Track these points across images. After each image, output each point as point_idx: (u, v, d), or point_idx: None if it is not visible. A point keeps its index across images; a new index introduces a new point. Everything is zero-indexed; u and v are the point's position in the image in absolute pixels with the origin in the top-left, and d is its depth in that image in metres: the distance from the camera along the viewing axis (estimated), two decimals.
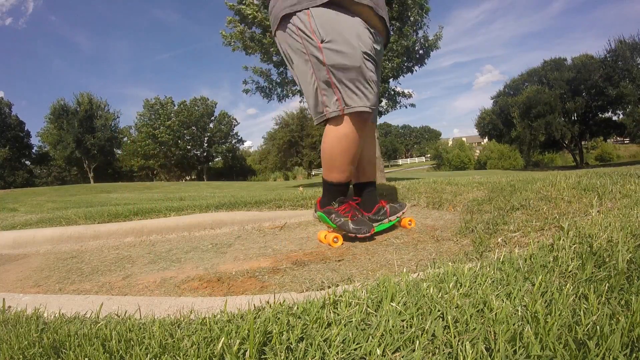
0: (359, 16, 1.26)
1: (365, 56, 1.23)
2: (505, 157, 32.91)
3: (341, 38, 1.20)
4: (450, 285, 0.68)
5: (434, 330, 0.53)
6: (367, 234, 1.36)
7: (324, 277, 1.06)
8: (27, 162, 34.77)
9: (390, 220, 1.51)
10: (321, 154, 1.37)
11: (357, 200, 1.50)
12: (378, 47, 1.34)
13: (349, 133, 1.27)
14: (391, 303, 0.62)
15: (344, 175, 1.37)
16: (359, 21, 1.25)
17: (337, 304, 0.65)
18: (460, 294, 0.65)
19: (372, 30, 1.30)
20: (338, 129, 1.28)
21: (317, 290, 0.88)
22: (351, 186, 1.56)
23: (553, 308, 0.56)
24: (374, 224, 1.46)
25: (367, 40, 1.25)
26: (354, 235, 1.36)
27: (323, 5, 1.22)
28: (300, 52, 1.27)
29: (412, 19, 8.70)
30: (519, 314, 0.56)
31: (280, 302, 0.68)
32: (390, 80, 9.71)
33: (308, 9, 1.22)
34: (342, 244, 1.38)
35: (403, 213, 1.55)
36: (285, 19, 1.28)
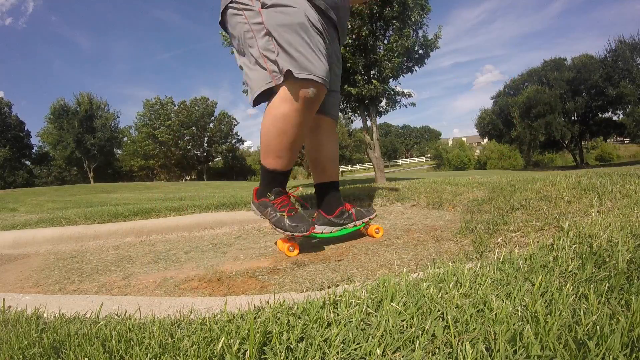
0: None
1: (310, 19, 1.09)
2: (505, 157, 32.92)
3: (282, 1, 1.08)
4: (450, 285, 0.68)
5: (434, 330, 0.53)
6: (305, 233, 1.21)
7: (324, 277, 1.06)
8: (27, 162, 34.79)
9: (356, 225, 1.40)
10: (261, 134, 1.20)
11: (296, 189, 1.37)
12: (329, 30, 1.21)
13: (290, 112, 1.10)
14: (391, 303, 0.62)
15: (281, 162, 1.20)
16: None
17: (337, 304, 0.65)
18: (460, 294, 0.65)
19: (321, 15, 1.17)
20: (277, 106, 1.10)
21: (317, 290, 0.88)
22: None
23: (553, 308, 0.56)
24: (335, 228, 1.36)
25: (312, 12, 1.11)
26: (290, 234, 1.22)
27: None
28: (242, 25, 1.14)
29: (412, 19, 8.71)
30: (519, 314, 0.56)
31: (280, 302, 0.68)
32: (391, 80, 9.71)
33: None
34: (298, 253, 1.26)
35: (370, 219, 1.43)
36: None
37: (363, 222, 1.43)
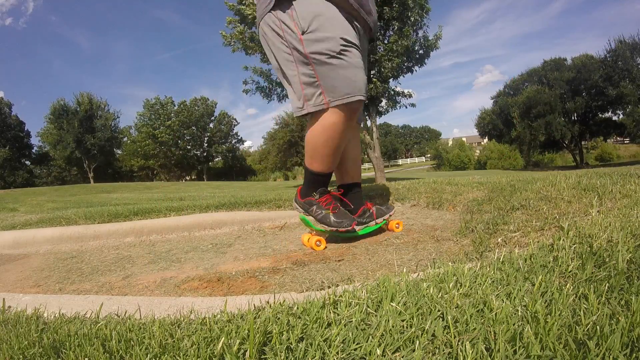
0: (341, 7, 1.21)
1: (347, 43, 1.17)
2: (505, 157, 32.90)
3: (322, 27, 1.15)
4: (450, 285, 0.68)
5: (434, 330, 0.53)
6: (348, 228, 1.31)
7: (324, 277, 1.06)
8: (27, 162, 34.77)
9: (377, 223, 1.47)
10: (305, 141, 1.32)
11: (341, 190, 1.45)
12: (361, 40, 1.31)
13: (335, 123, 1.21)
14: (391, 303, 0.62)
15: (326, 166, 1.32)
16: (339, 11, 1.21)
17: (337, 304, 0.65)
18: (460, 294, 0.65)
19: (355, 23, 1.27)
20: (325, 118, 1.21)
21: (317, 290, 0.88)
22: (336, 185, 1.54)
23: (553, 308, 0.56)
24: (359, 227, 1.42)
25: (349, 29, 1.21)
26: (334, 229, 1.31)
27: None
28: (282, 45, 1.22)
29: (412, 19, 8.71)
30: (519, 314, 0.56)
31: (280, 302, 0.68)
32: (390, 80, 9.71)
33: (292, 4, 1.18)
34: (326, 247, 1.33)
35: (390, 215, 1.51)
36: (269, 13, 1.24)
37: (384, 220, 1.50)
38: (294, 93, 1.26)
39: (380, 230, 1.53)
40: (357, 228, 1.41)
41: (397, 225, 1.53)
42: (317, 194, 1.35)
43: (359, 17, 1.28)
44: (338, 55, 1.15)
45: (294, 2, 1.18)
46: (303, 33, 1.17)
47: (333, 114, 1.20)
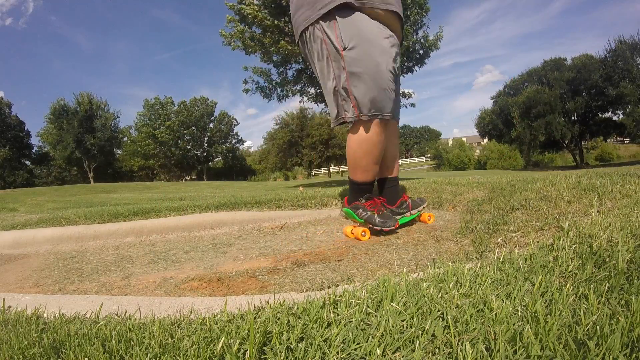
0: (381, 21, 1.29)
1: (385, 64, 1.28)
2: (505, 157, 32.88)
3: (363, 45, 1.23)
4: (450, 285, 0.68)
5: (434, 330, 0.53)
6: (392, 227, 1.41)
7: (324, 277, 1.06)
8: (27, 162, 34.76)
9: (412, 214, 1.58)
10: (346, 155, 1.45)
11: (383, 200, 1.54)
12: (397, 49, 1.39)
13: (371, 136, 1.33)
14: (391, 303, 0.62)
15: (369, 175, 1.43)
16: (381, 27, 1.29)
17: (337, 304, 0.65)
18: (460, 294, 0.65)
19: (392, 33, 1.34)
20: (360, 132, 1.33)
21: (317, 290, 0.88)
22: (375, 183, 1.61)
23: (553, 308, 0.56)
24: (397, 217, 1.51)
25: (388, 47, 1.29)
26: (379, 228, 1.41)
27: (347, 11, 1.24)
28: (324, 57, 1.30)
29: (412, 18, 8.70)
30: (519, 314, 0.56)
31: (280, 302, 0.68)
32: None
33: (335, 18, 1.24)
34: (370, 237, 1.42)
35: (424, 207, 1.62)
36: (315, 24, 1.30)
37: (418, 211, 1.60)
38: (332, 102, 1.35)
39: (413, 222, 1.62)
40: (388, 227, 1.50)
41: (429, 218, 1.62)
42: (363, 199, 1.46)
43: (394, 24, 1.36)
44: (373, 74, 1.24)
45: (337, 17, 1.23)
46: (344, 49, 1.24)
47: (367, 127, 1.31)
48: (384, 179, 1.62)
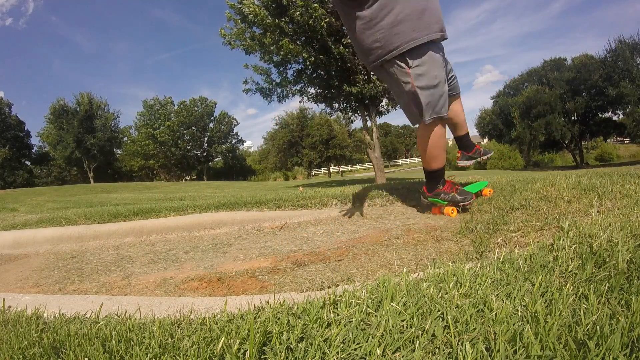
0: (436, 42, 1.60)
1: (440, 77, 1.59)
2: (505, 157, 32.87)
3: (425, 65, 1.55)
4: (450, 285, 0.68)
5: (434, 330, 0.53)
6: (471, 200, 1.70)
7: (324, 277, 1.06)
8: (27, 162, 34.77)
9: (483, 158, 2.06)
10: (421, 152, 1.75)
11: (453, 177, 1.88)
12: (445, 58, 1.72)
13: (440, 131, 1.68)
14: (391, 303, 0.62)
15: (441, 162, 1.75)
16: (437, 47, 1.59)
17: (337, 304, 0.65)
18: (460, 294, 0.65)
19: (441, 49, 1.65)
20: (435, 131, 1.66)
21: (317, 290, 0.88)
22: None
23: (553, 308, 0.56)
24: (469, 162, 2.04)
25: (441, 62, 1.61)
26: (462, 204, 1.70)
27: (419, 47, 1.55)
28: (398, 79, 1.63)
29: None
30: (519, 314, 0.56)
31: (280, 302, 0.68)
32: None
33: (404, 53, 1.55)
34: (458, 213, 1.68)
35: (489, 157, 2.06)
36: (392, 59, 1.59)
37: (488, 157, 2.06)
38: (407, 111, 1.70)
39: (477, 194, 1.87)
40: (467, 163, 2.06)
41: (489, 192, 1.91)
42: (440, 185, 1.75)
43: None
44: (434, 87, 1.57)
45: (406, 53, 1.55)
46: (410, 68, 1.57)
47: (434, 126, 1.64)
48: (461, 136, 2.06)
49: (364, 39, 1.62)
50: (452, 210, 1.70)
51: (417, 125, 1.74)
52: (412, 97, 1.60)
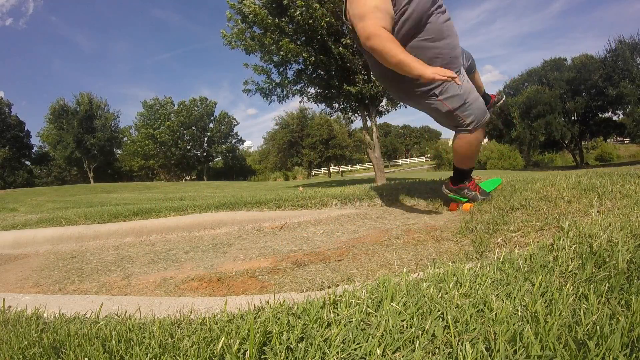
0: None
1: (465, 87, 1.71)
2: (505, 157, 32.85)
3: (451, 88, 1.65)
4: (450, 285, 0.68)
5: (434, 330, 0.53)
6: (489, 198, 1.83)
7: (324, 277, 1.06)
8: (27, 162, 34.76)
9: (498, 105, 2.22)
10: (457, 153, 1.86)
11: (479, 178, 1.96)
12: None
13: (479, 136, 1.81)
14: (391, 303, 0.62)
15: (472, 163, 1.89)
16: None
17: (337, 304, 0.65)
18: (460, 294, 0.65)
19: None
20: (476, 136, 1.78)
21: (317, 290, 0.88)
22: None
23: (553, 308, 0.56)
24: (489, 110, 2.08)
25: (464, 75, 1.76)
26: (482, 200, 1.82)
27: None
28: (434, 106, 1.73)
29: None
30: (519, 314, 0.56)
31: (280, 302, 0.68)
32: None
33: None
34: (472, 207, 1.77)
35: (503, 100, 2.23)
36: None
37: (503, 101, 2.25)
38: (450, 127, 1.83)
39: (491, 190, 1.97)
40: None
41: (470, 206, 1.97)
42: (467, 182, 1.88)
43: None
44: (466, 102, 1.70)
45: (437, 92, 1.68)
46: (440, 94, 1.67)
47: (476, 132, 1.77)
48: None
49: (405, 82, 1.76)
50: (471, 207, 1.79)
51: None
52: (454, 117, 1.73)
